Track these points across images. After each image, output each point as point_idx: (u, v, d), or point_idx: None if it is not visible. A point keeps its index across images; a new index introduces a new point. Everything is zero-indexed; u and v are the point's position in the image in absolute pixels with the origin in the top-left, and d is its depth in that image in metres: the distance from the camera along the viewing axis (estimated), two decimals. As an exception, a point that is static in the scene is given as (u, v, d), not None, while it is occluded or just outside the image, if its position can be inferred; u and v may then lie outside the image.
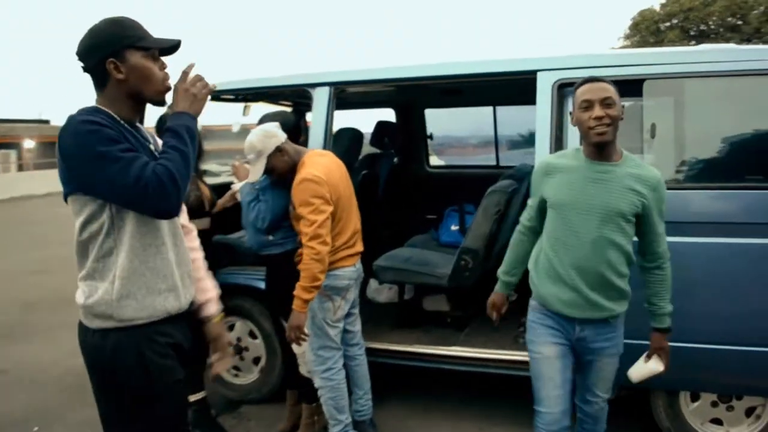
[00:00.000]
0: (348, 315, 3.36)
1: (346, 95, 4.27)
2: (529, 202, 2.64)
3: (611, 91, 2.30)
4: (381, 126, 5.08)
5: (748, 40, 30.12)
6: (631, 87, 3.09)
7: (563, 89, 3.17)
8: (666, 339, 2.54)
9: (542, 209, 2.54)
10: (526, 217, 2.68)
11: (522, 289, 2.89)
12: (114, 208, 1.76)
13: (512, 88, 3.61)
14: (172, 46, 1.88)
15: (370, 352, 3.65)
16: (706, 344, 2.99)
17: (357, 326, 3.50)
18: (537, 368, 2.55)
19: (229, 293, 2.74)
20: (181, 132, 1.77)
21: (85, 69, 1.82)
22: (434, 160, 6.25)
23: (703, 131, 3.15)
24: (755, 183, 2.95)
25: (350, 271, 3.23)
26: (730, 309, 2.97)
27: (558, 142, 3.13)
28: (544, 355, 2.52)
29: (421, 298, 4.42)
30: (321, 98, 3.69)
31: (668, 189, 2.68)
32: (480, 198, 3.80)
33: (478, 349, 3.70)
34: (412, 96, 5.40)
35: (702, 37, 33.50)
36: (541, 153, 3.12)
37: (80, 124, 1.67)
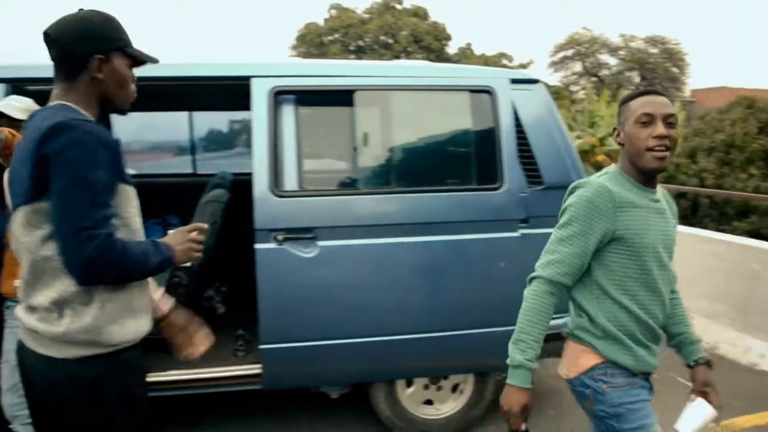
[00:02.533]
0: None
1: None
2: (573, 246, 1.94)
3: (672, 107, 1.92)
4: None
5: (398, 57, 33.69)
6: (343, 97, 3.22)
7: (279, 96, 3.13)
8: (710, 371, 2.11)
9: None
10: (564, 270, 1.95)
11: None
12: None
13: (213, 93, 3.47)
14: (148, 62, 1.84)
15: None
16: (410, 335, 3.24)
17: None
18: None
19: None
20: (155, 260, 1.74)
21: (60, 53, 1.71)
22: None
23: (406, 140, 3.40)
24: (451, 186, 3.27)
25: None
26: (424, 300, 3.25)
27: (275, 150, 3.09)
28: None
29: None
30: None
31: (376, 194, 2.89)
32: (181, 208, 3.59)
33: (199, 370, 3.45)
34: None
35: (360, 52, 36.60)
36: (259, 162, 3.06)
37: (89, 136, 1.59)
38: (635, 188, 1.96)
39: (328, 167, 3.62)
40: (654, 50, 39.59)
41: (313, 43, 36.90)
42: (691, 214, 12.09)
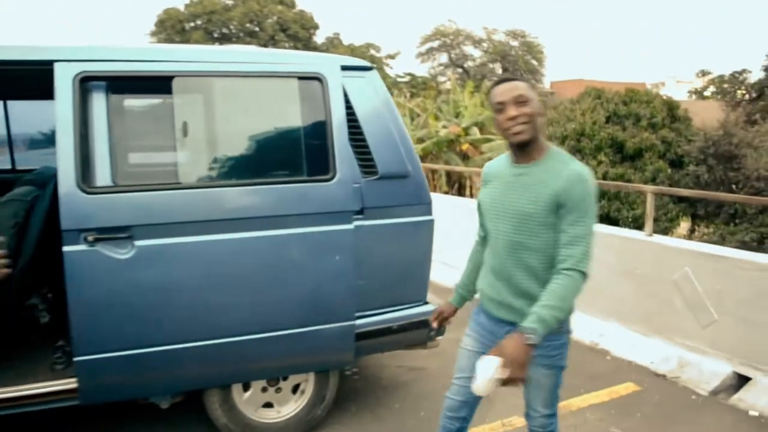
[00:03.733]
0: None
1: None
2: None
3: (523, 88, 2.22)
4: None
5: (265, 45, 33.08)
6: (161, 84, 2.96)
7: (87, 83, 2.83)
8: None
9: None
10: (479, 227, 2.56)
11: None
12: None
13: (27, 80, 3.12)
14: None
15: None
16: (240, 336, 3.07)
17: None
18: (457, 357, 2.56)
19: None
20: None
21: None
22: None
23: (231, 129, 3.19)
24: (280, 178, 3.11)
25: None
26: (255, 299, 3.09)
27: (84, 141, 2.79)
28: (462, 345, 2.55)
29: None
30: None
31: (199, 188, 2.68)
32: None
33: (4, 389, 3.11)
34: None
35: (224, 40, 35.61)
36: (65, 154, 2.75)
37: None
38: (506, 165, 2.36)
39: (146, 160, 3.34)
40: (515, 43, 41.35)
41: (174, 29, 35.42)
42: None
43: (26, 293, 4.00)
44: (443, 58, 42.57)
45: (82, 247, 2.78)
